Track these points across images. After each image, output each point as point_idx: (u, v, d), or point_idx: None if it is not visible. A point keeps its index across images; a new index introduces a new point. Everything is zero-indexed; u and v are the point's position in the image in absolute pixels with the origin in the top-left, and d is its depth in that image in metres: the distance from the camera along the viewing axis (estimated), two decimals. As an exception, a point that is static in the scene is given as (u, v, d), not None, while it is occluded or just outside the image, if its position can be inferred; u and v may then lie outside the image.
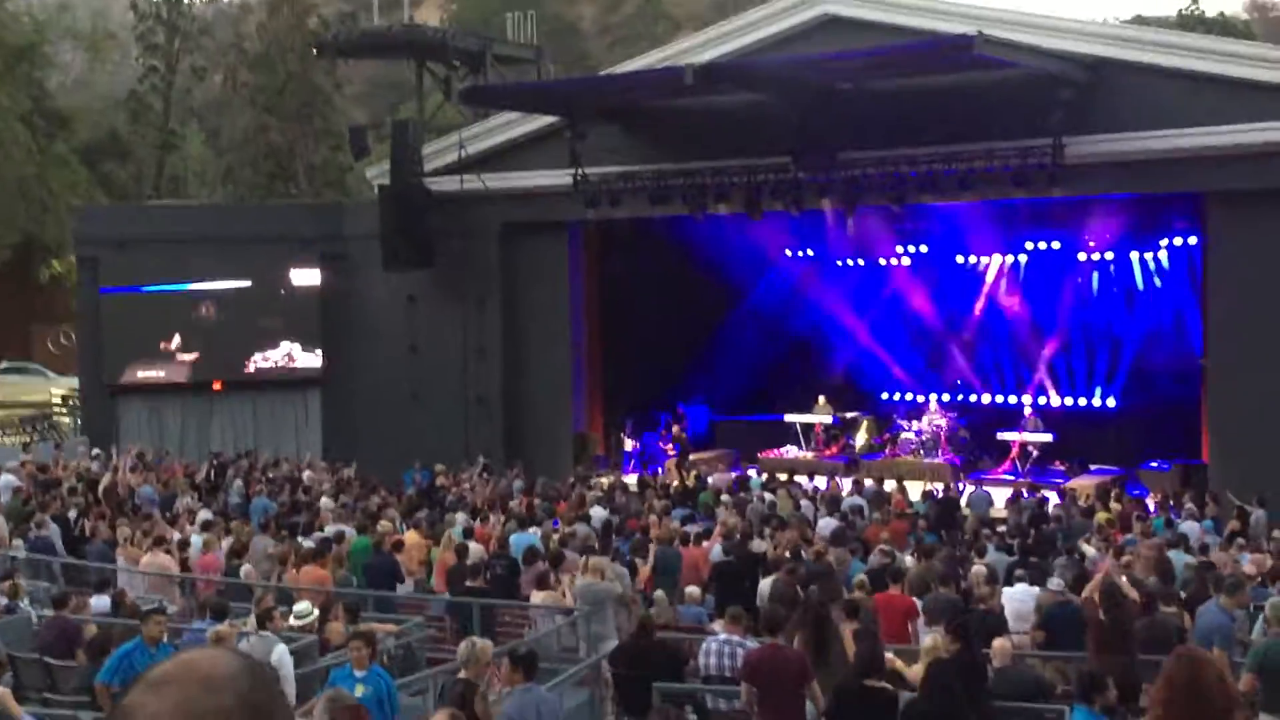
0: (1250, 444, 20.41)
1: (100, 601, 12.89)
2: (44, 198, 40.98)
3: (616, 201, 24.33)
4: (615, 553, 15.34)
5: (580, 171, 24.29)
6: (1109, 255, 25.72)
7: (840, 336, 28.95)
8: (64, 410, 36.42)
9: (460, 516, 17.85)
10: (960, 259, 27.39)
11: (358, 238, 27.97)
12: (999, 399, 27.37)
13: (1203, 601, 11.36)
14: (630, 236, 26.69)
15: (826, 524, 17.40)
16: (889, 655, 9.75)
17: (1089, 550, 15.34)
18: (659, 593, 13.67)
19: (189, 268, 28.07)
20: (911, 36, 21.88)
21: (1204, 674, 4.39)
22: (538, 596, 13.37)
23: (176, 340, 28.13)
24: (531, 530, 16.76)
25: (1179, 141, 20.50)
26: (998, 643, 10.24)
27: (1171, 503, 19.96)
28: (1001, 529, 17.78)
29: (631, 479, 24.38)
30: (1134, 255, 25.49)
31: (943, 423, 25.78)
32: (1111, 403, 26.20)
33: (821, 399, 27.49)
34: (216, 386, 28.68)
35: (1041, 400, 26.35)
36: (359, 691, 8.70)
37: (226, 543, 16.04)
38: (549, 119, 25.63)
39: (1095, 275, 26.08)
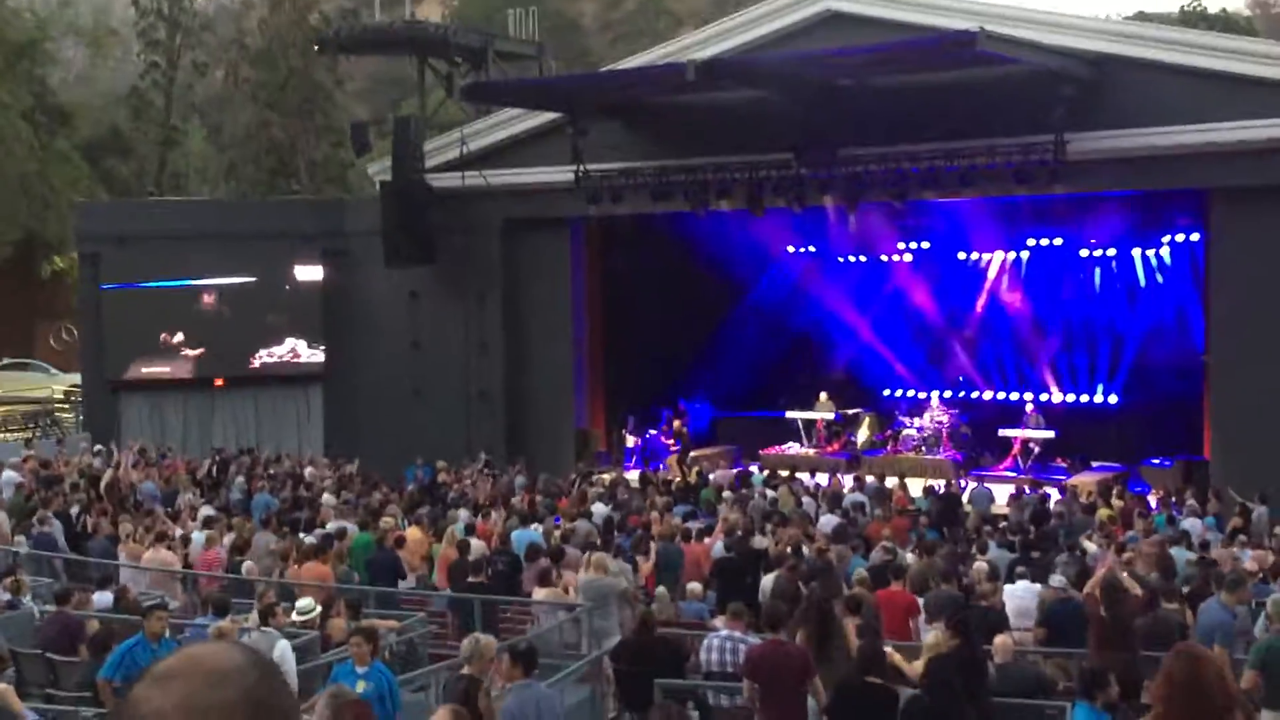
0: (1252, 440, 20.40)
1: (102, 597, 12.90)
2: (46, 194, 40.98)
3: (618, 198, 24.33)
4: (617, 549, 15.36)
5: (582, 168, 24.28)
6: (1111, 252, 25.71)
7: (842, 333, 28.95)
8: (66, 406, 36.43)
9: (462, 513, 17.87)
10: (962, 255, 27.38)
11: (359, 234, 27.98)
12: (1001, 395, 27.36)
13: (1204, 598, 11.36)
14: (632, 233, 26.69)
15: (828, 520, 17.41)
16: (890, 651, 9.75)
17: (1090, 547, 15.34)
18: (661, 589, 13.68)
19: (190, 264, 28.08)
20: (913, 33, 21.87)
21: (1204, 671, 4.39)
22: (540, 593, 13.38)
23: (180, 336, 28.15)
24: (533, 526, 16.77)
25: (1181, 138, 20.49)
26: (999, 639, 10.25)
27: (1173, 499, 19.95)
28: (1003, 525, 17.78)
29: (633, 475, 24.40)
30: (1136, 252, 25.48)
31: (945, 419, 25.78)
32: (1113, 399, 26.20)
33: (823, 395, 27.49)
34: (218, 383, 28.70)
35: (1043, 397, 26.33)
36: (361, 688, 8.70)
37: (228, 539, 16.06)
38: (551, 115, 25.63)
39: (1097, 272, 26.08)
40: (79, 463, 22.49)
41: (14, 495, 19.04)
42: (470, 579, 14.09)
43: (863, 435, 27.32)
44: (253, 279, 28.21)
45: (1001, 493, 21.22)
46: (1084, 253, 25.97)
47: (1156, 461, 23.56)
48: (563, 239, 26.60)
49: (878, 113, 21.89)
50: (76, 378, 33.38)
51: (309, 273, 28.50)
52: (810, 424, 27.45)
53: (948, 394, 27.13)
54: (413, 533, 16.68)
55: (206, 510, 18.47)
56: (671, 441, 26.70)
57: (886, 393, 28.88)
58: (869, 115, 21.87)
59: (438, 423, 26.82)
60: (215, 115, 48.63)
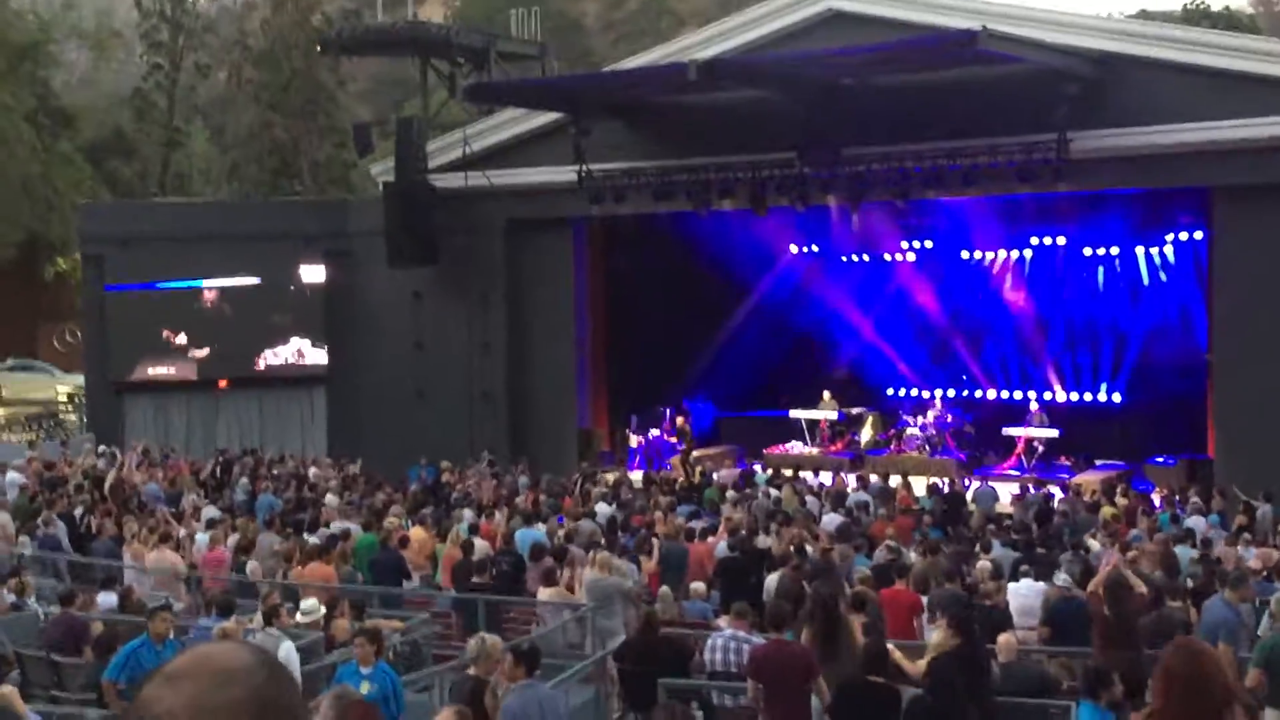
0: (1256, 439, 20.38)
1: (107, 599, 12.92)
2: (49, 196, 41.02)
3: (621, 198, 24.33)
4: (622, 549, 15.36)
5: (584, 168, 24.28)
6: (1114, 250, 25.70)
7: (845, 332, 28.94)
8: (70, 408, 36.47)
9: (467, 513, 17.87)
10: (965, 255, 27.37)
11: (362, 234, 27.99)
12: (1004, 394, 27.34)
13: (1209, 596, 11.35)
14: (635, 233, 26.69)
15: (831, 519, 17.41)
16: (891, 649, 9.75)
17: (1094, 545, 15.34)
18: (664, 589, 13.68)
19: (194, 265, 28.11)
20: (915, 32, 21.87)
21: (1203, 665, 4.39)
22: (545, 593, 13.38)
23: (184, 337, 28.18)
24: (537, 526, 16.77)
25: (1184, 136, 20.47)
26: (1003, 638, 10.24)
27: (1177, 498, 19.93)
28: (1007, 524, 17.77)
29: (637, 475, 24.40)
30: (1139, 250, 25.46)
31: (948, 418, 25.77)
32: (1117, 398, 26.19)
33: (826, 395, 27.47)
34: (223, 384, 28.73)
35: (1047, 396, 26.31)
36: (365, 689, 8.71)
37: (232, 540, 16.07)
38: (553, 115, 25.64)
39: (1101, 270, 26.06)
40: (83, 464, 22.51)
41: (18, 497, 19.07)
42: (474, 579, 14.10)
43: (866, 435, 27.31)
44: (257, 280, 28.23)
45: (1005, 492, 21.21)
46: (1087, 251, 25.95)
47: (1160, 460, 23.54)
48: (565, 239, 26.60)
49: (880, 112, 21.89)
50: (80, 379, 33.42)
51: (313, 273, 28.52)
52: (814, 423, 27.43)
53: (951, 393, 27.11)
54: (417, 533, 16.69)
55: (210, 511, 18.48)
56: (675, 440, 26.70)
57: (890, 392, 28.88)
58: (871, 114, 21.87)
59: (441, 423, 26.84)
60: (218, 116, 48.69)
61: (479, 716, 8.07)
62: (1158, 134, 20.66)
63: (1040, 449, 24.68)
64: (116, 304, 28.05)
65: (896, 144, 22.05)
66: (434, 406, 27.32)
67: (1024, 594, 12.70)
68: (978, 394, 27.54)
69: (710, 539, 15.94)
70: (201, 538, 16.45)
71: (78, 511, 18.16)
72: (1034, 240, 26.38)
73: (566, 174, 24.62)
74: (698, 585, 13.72)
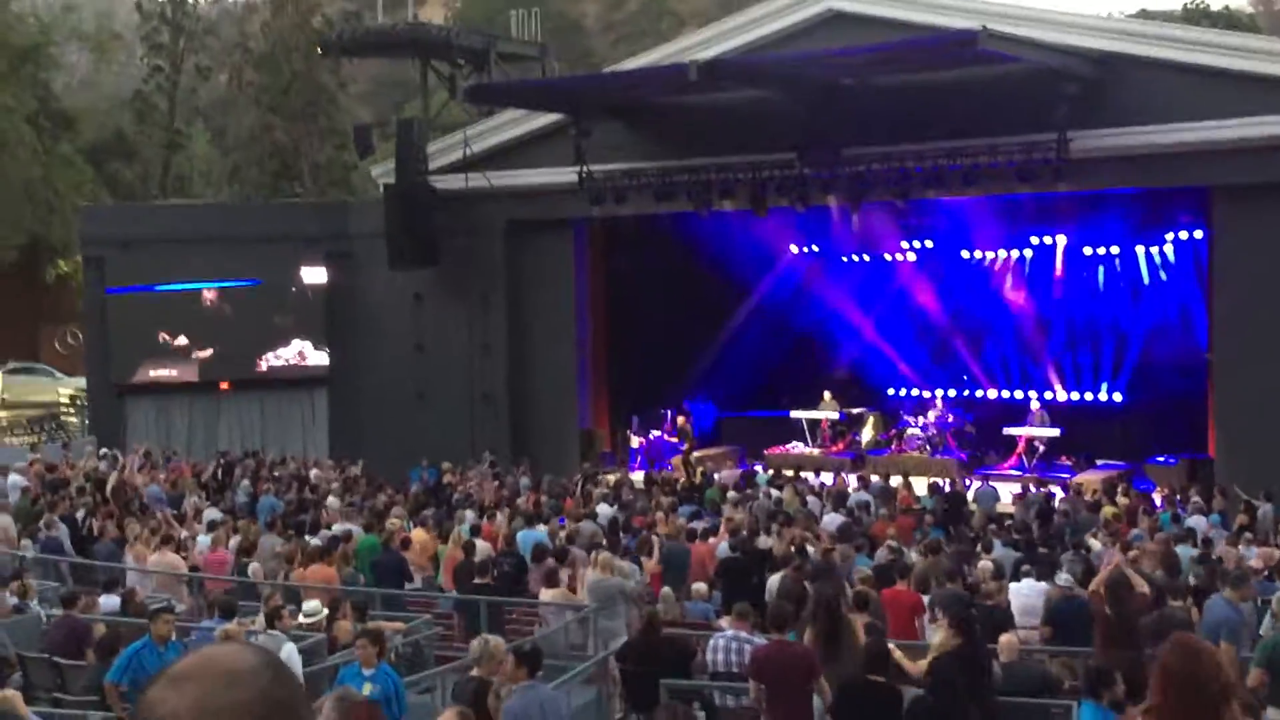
0: (1256, 438, 20.39)
1: (109, 601, 12.93)
2: (50, 198, 41.02)
3: (621, 199, 24.34)
4: (624, 550, 15.37)
5: (585, 169, 24.29)
6: (1115, 250, 25.69)
7: (846, 332, 28.95)
8: (71, 410, 36.49)
9: (468, 514, 17.89)
10: (965, 254, 27.37)
11: (363, 236, 28.01)
12: (1005, 394, 27.34)
13: (1211, 595, 11.36)
14: (635, 233, 26.70)
15: (832, 519, 17.41)
16: (894, 650, 9.76)
17: (1095, 545, 15.34)
18: (666, 589, 13.69)
19: (195, 267, 28.13)
20: (916, 32, 21.87)
21: (1200, 662, 4.41)
22: (547, 594, 13.39)
23: (185, 339, 28.18)
24: (539, 528, 16.78)
25: (1184, 136, 20.48)
26: (1004, 638, 10.25)
27: (1178, 497, 19.94)
28: (1008, 524, 17.78)
29: (638, 476, 24.41)
30: (1139, 250, 25.46)
31: (949, 418, 25.77)
32: (1118, 397, 26.19)
33: (827, 395, 27.48)
34: (224, 386, 28.74)
35: (1048, 395, 26.31)
36: (367, 690, 8.72)
37: (234, 542, 16.09)
38: (553, 116, 25.65)
39: (1101, 270, 26.06)
40: (85, 466, 22.52)
41: (20, 499, 19.08)
42: (476, 580, 14.11)
43: (867, 435, 27.31)
44: (258, 282, 28.24)
45: (1006, 491, 21.21)
46: (1087, 251, 25.95)
47: (1161, 459, 23.54)
48: (566, 240, 26.61)
49: (880, 112, 21.89)
50: (82, 381, 33.43)
51: (314, 275, 28.53)
52: (814, 424, 27.43)
53: (952, 393, 27.12)
54: (418, 534, 16.71)
55: (211, 513, 18.49)
56: (675, 440, 26.71)
57: (891, 392, 28.89)
58: (872, 115, 21.88)
59: (442, 424, 26.85)
60: (219, 118, 48.72)
61: (482, 718, 8.08)
62: (1158, 133, 20.66)
63: (1041, 449, 24.68)
64: (118, 306, 28.06)
65: (897, 144, 22.05)
66: (435, 408, 27.33)
67: (1025, 593, 12.70)
68: (978, 394, 27.55)
69: (711, 539, 15.95)
70: (203, 539, 16.47)
71: (80, 514, 18.17)
72: (1034, 240, 26.37)
73: (567, 175, 24.63)
74: (699, 586, 13.73)
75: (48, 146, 41.78)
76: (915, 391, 28.18)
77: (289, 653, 9.91)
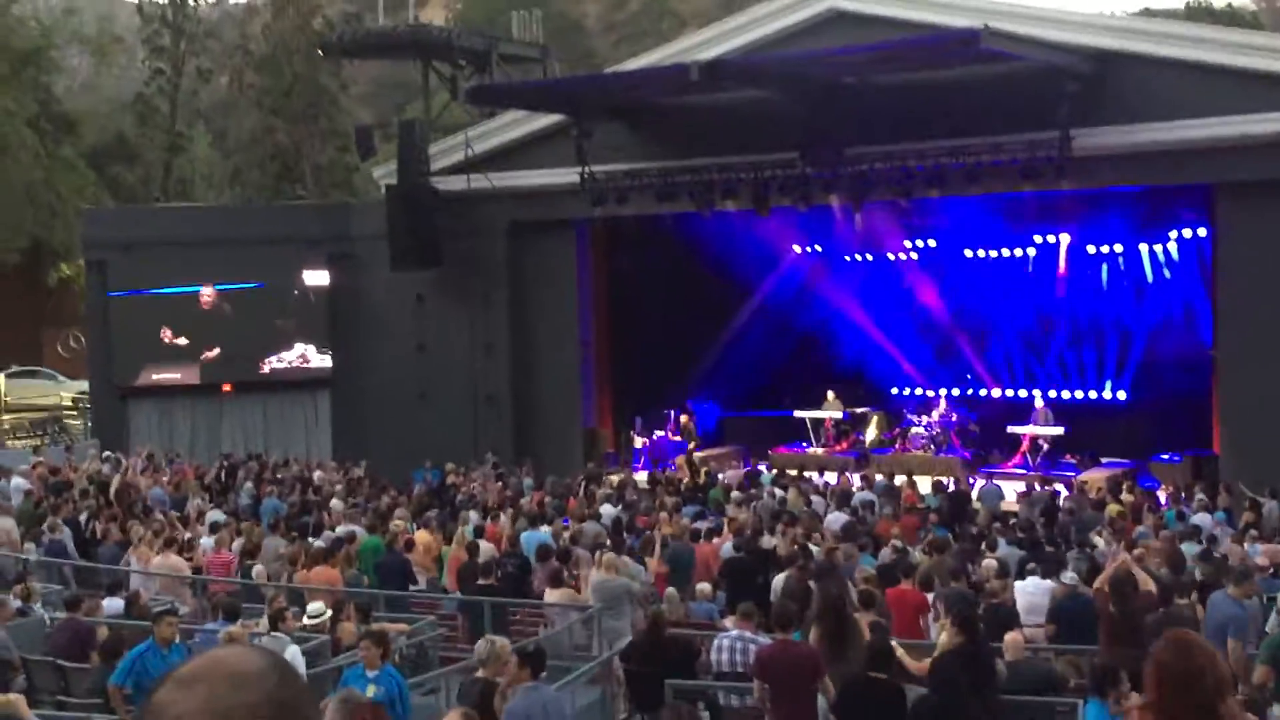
0: (1261, 435, 20.36)
1: (113, 604, 12.93)
2: (52, 202, 41.05)
3: (623, 199, 24.33)
4: (629, 550, 15.35)
5: (587, 169, 24.29)
6: (1118, 248, 25.67)
7: (849, 332, 28.92)
8: (74, 413, 36.51)
9: (472, 515, 17.88)
10: (968, 253, 27.35)
11: (365, 238, 28.01)
12: (1009, 393, 27.32)
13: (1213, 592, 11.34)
14: (637, 234, 26.69)
15: (835, 518, 17.39)
16: (898, 649, 9.74)
17: (1100, 543, 15.32)
18: (670, 589, 13.68)
19: (197, 270, 28.13)
20: (917, 30, 21.85)
21: (1195, 658, 4.39)
22: (553, 594, 13.38)
23: (188, 342, 28.18)
24: (543, 528, 16.77)
25: (1187, 133, 20.45)
26: (1009, 636, 10.23)
27: (1183, 494, 19.92)
28: (1013, 522, 17.76)
29: (641, 476, 24.39)
30: (1143, 248, 25.44)
31: (953, 417, 25.76)
32: (1122, 395, 26.17)
33: (831, 394, 27.45)
34: (227, 389, 28.75)
35: (1052, 393, 26.29)
36: (371, 691, 8.71)
37: (238, 544, 16.09)
38: (555, 117, 25.64)
39: (1104, 268, 26.04)
40: (88, 469, 22.53)
41: (23, 502, 19.09)
42: (480, 581, 14.10)
43: (871, 434, 27.29)
44: (261, 284, 28.24)
45: (1011, 490, 21.18)
46: (1090, 249, 25.93)
47: (1166, 457, 23.53)
48: (568, 241, 26.60)
49: (882, 111, 21.88)
50: (84, 384, 33.46)
51: (316, 277, 28.54)
52: (818, 423, 27.42)
53: (956, 392, 27.11)
54: (422, 535, 16.70)
55: (215, 515, 18.49)
56: (678, 439, 26.71)
57: (894, 391, 28.88)
58: (874, 114, 21.86)
59: (445, 425, 26.85)
60: (220, 121, 48.76)
61: (487, 719, 8.07)
62: (1160, 131, 20.64)
63: (1045, 447, 24.64)
64: (120, 309, 28.08)
65: (899, 143, 22.04)
66: (438, 409, 27.33)
67: (1031, 592, 12.69)
68: (982, 392, 27.54)
69: (716, 540, 15.93)
70: (207, 542, 16.47)
71: (83, 517, 18.18)
72: (1037, 238, 26.35)
73: (569, 176, 24.63)
74: (703, 586, 13.72)
75: (49, 150, 41.81)
76: (919, 390, 28.17)
77: (293, 654, 9.90)
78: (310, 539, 16.28)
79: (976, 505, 19.53)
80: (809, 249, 28.99)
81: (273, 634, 10.78)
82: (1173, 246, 25.02)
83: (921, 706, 8.74)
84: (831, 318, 29.01)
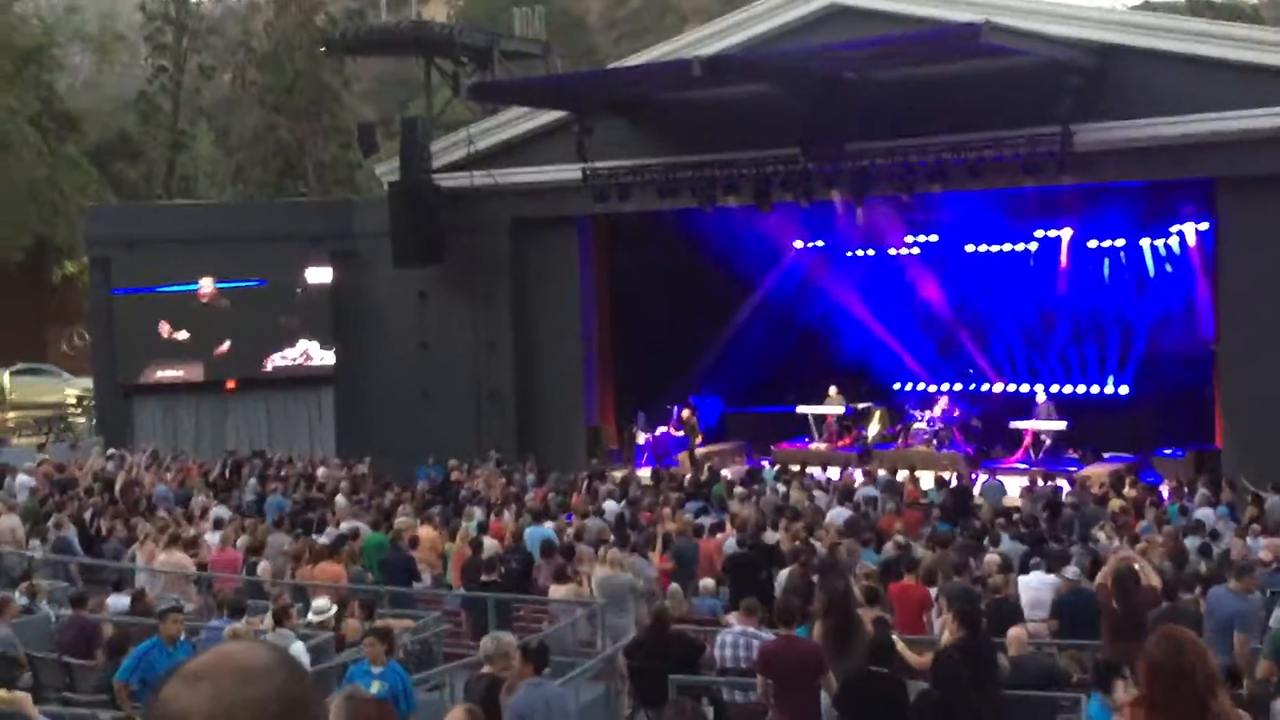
0: (1263, 429, 20.35)
1: (118, 601, 12.97)
2: (55, 199, 41.09)
3: (625, 195, 24.33)
4: (634, 546, 15.36)
5: (589, 166, 24.29)
6: (1120, 242, 25.66)
7: (851, 327, 28.89)
8: (78, 411, 36.56)
9: (476, 511, 17.91)
10: (970, 248, 27.34)
11: (367, 235, 28.03)
12: (1011, 388, 27.32)
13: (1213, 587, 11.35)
14: (639, 230, 26.69)
15: (838, 514, 17.41)
16: (899, 643, 9.76)
17: (1102, 538, 15.33)
18: (674, 585, 13.70)
19: (200, 267, 28.15)
20: (918, 25, 21.84)
21: (1185, 654, 4.42)
22: (558, 590, 13.40)
23: (191, 340, 28.20)
24: (546, 524, 16.80)
25: (1189, 127, 20.43)
26: (1012, 631, 10.24)
27: (1186, 489, 19.92)
28: (1016, 518, 17.77)
29: (645, 472, 24.41)
30: (1145, 242, 25.43)
31: (955, 412, 25.76)
32: (1124, 390, 26.15)
33: (833, 390, 27.44)
34: (231, 386, 28.78)
35: (1054, 388, 26.29)
36: (375, 688, 8.74)
37: (243, 541, 16.12)
38: (557, 114, 25.64)
39: (1106, 262, 26.03)
40: (92, 466, 22.57)
41: (28, 499, 19.13)
42: (483, 578, 14.13)
43: (873, 429, 27.27)
44: (263, 281, 28.25)
45: (1013, 485, 21.19)
46: (1092, 243, 25.92)
47: (1168, 451, 23.53)
48: (570, 237, 26.61)
49: (884, 106, 21.87)
50: (88, 382, 33.49)
51: (319, 274, 28.55)
52: (820, 418, 27.42)
53: (958, 387, 27.10)
54: (426, 532, 16.73)
55: (219, 511, 18.52)
56: (680, 434, 26.71)
57: (897, 386, 28.86)
58: (875, 109, 21.86)
59: (448, 422, 26.86)
60: (223, 118, 48.75)
61: (494, 715, 8.09)
62: (1162, 125, 20.61)
63: (1048, 442, 24.66)
64: (123, 307, 28.10)
65: (900, 138, 22.02)
66: (441, 406, 27.35)
67: (1035, 587, 12.70)
68: (984, 387, 27.52)
69: (719, 535, 15.96)
70: (211, 539, 16.50)
71: (88, 514, 18.22)
72: (1039, 233, 26.35)
73: (571, 172, 24.63)
74: (707, 581, 13.75)
75: (52, 148, 41.85)
76: (921, 386, 28.17)
77: (297, 651, 9.94)
78: (314, 536, 16.31)
79: (979, 501, 19.54)
80: (810, 244, 28.98)
81: (277, 631, 10.82)
82: (1174, 241, 25.01)
83: (923, 701, 8.77)
84: (833, 313, 28.98)
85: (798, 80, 22.12)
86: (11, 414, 36.65)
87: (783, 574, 13.27)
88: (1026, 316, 27.25)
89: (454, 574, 15.52)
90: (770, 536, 15.55)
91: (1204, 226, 23.79)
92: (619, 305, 27.54)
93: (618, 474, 23.31)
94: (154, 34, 45.22)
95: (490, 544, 15.57)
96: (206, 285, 28.19)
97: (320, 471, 23.22)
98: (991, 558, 13.41)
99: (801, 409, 27.63)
